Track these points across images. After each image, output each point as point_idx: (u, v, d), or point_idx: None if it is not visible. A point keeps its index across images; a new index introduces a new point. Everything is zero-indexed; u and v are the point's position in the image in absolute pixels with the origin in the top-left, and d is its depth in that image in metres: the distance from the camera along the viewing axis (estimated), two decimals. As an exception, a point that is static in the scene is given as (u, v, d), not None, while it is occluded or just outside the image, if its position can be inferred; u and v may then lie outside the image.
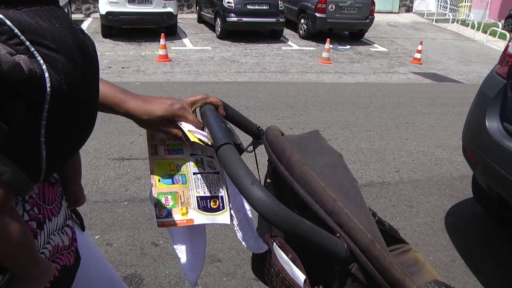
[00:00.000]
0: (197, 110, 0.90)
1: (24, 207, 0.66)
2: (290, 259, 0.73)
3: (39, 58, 0.53)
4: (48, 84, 0.53)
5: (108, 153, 3.71)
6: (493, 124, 2.27)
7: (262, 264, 0.95)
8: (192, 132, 0.83)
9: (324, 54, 8.84)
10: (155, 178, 0.87)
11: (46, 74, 0.53)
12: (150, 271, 2.26)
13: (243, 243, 0.92)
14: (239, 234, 0.91)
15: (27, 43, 0.52)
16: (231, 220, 0.89)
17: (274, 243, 0.78)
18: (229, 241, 2.53)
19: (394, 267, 0.64)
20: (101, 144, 3.86)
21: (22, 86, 0.51)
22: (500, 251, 2.65)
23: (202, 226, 0.96)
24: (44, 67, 0.53)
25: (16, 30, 0.52)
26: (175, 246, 0.96)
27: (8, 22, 0.51)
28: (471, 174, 3.05)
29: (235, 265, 2.34)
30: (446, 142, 4.50)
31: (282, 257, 0.75)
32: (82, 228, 0.93)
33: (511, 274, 2.44)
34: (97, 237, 2.49)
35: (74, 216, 0.89)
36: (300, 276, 0.71)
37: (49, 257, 0.73)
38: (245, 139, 0.99)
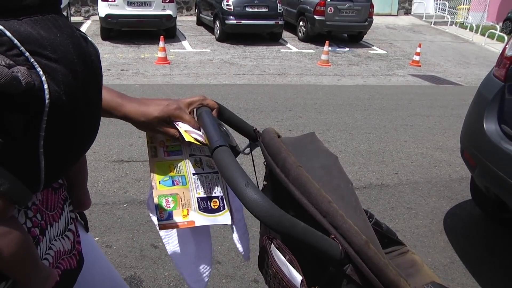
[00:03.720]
0: (194, 111, 0.90)
1: (27, 214, 0.66)
2: (288, 260, 0.74)
3: (38, 69, 0.53)
4: (47, 96, 0.53)
5: (108, 155, 3.71)
6: (491, 126, 2.28)
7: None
8: (188, 132, 0.83)
9: (323, 57, 8.86)
10: (155, 181, 0.87)
11: (45, 86, 0.53)
12: (149, 273, 2.26)
13: (238, 245, 0.92)
14: (236, 236, 0.90)
15: (27, 54, 0.52)
16: (233, 219, 0.89)
17: (272, 244, 0.79)
18: (228, 243, 2.53)
19: (389, 268, 0.64)
20: (101, 146, 3.87)
21: (20, 98, 0.51)
22: (498, 252, 2.66)
23: (207, 229, 0.95)
24: (43, 78, 0.53)
25: (16, 41, 0.51)
26: (175, 262, 0.94)
27: (8, 33, 0.51)
28: (469, 176, 3.06)
29: (234, 267, 2.34)
30: (445, 144, 4.51)
31: (280, 258, 0.76)
32: (86, 229, 0.93)
33: (510, 275, 2.44)
34: (96, 239, 2.49)
35: (78, 217, 0.90)
36: (297, 277, 0.71)
37: (53, 262, 0.73)
38: (243, 141, 0.99)
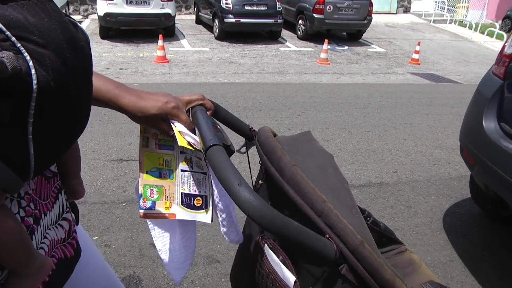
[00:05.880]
0: (190, 110, 0.90)
1: (20, 203, 0.66)
2: (281, 260, 0.73)
3: (25, 54, 0.52)
4: (35, 81, 0.52)
5: (107, 154, 3.71)
6: (490, 124, 2.28)
7: (240, 272, 0.96)
8: (183, 134, 0.83)
9: (322, 55, 8.85)
10: (143, 170, 0.88)
11: (33, 71, 0.52)
12: (148, 272, 2.26)
13: (226, 237, 0.93)
14: (223, 229, 0.92)
15: (13, 38, 0.51)
16: (212, 218, 0.91)
17: (266, 244, 0.78)
18: (227, 242, 2.50)
19: (384, 268, 0.64)
20: (100, 145, 3.86)
21: (6, 84, 0.50)
22: (498, 250, 2.66)
23: (193, 221, 0.96)
24: (30, 63, 0.52)
25: (1, 26, 0.50)
26: (158, 247, 0.96)
27: None
28: (469, 174, 3.06)
29: (233, 266, 2.34)
30: (444, 142, 4.51)
31: (273, 258, 0.75)
32: (76, 222, 0.93)
33: (509, 273, 2.44)
34: (95, 238, 2.49)
35: (70, 210, 0.90)
36: (290, 278, 0.71)
37: (49, 251, 0.74)
38: (240, 140, 0.99)
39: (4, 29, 0.51)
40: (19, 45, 0.51)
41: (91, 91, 0.68)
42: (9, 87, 0.51)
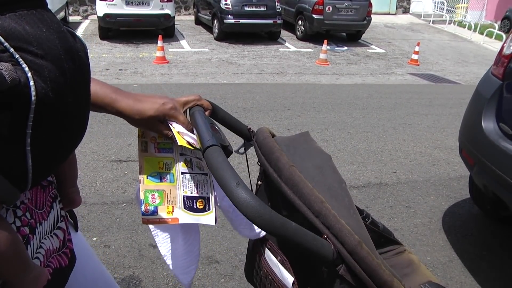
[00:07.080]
0: (188, 110, 0.90)
1: (15, 213, 0.66)
2: (279, 261, 0.73)
3: (24, 65, 0.51)
4: (33, 93, 0.52)
5: (106, 155, 3.71)
6: (489, 124, 2.28)
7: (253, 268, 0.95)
8: (182, 134, 0.83)
9: (322, 56, 8.86)
10: (143, 175, 0.87)
11: (31, 82, 0.51)
12: (148, 273, 2.26)
13: (241, 234, 0.92)
14: (239, 228, 0.91)
15: (11, 50, 0.51)
16: (216, 220, 0.90)
17: (264, 245, 0.78)
18: (227, 243, 2.53)
19: (382, 268, 0.64)
20: (99, 146, 3.86)
21: (5, 96, 0.50)
22: (497, 250, 2.66)
23: (196, 224, 0.96)
24: (29, 75, 0.51)
25: (0, 37, 0.50)
26: (162, 253, 0.95)
27: None
28: (468, 174, 3.06)
29: (232, 267, 2.34)
30: (443, 142, 4.51)
31: (272, 259, 0.75)
32: (76, 228, 0.92)
33: (508, 273, 2.44)
34: (94, 239, 2.49)
35: (68, 217, 0.89)
36: (288, 278, 0.71)
37: (44, 261, 0.73)
38: (239, 141, 0.99)
39: (3, 40, 0.50)
40: (17, 56, 0.51)
41: (89, 101, 0.68)
42: (8, 99, 0.50)
